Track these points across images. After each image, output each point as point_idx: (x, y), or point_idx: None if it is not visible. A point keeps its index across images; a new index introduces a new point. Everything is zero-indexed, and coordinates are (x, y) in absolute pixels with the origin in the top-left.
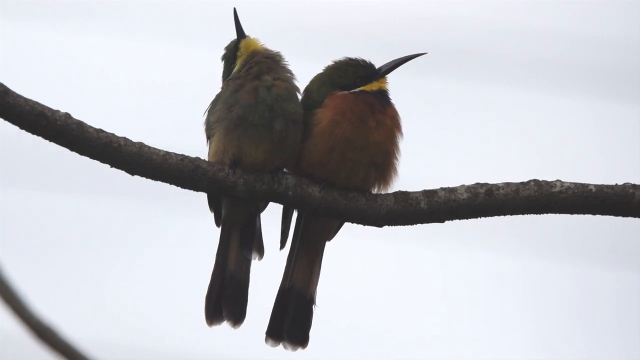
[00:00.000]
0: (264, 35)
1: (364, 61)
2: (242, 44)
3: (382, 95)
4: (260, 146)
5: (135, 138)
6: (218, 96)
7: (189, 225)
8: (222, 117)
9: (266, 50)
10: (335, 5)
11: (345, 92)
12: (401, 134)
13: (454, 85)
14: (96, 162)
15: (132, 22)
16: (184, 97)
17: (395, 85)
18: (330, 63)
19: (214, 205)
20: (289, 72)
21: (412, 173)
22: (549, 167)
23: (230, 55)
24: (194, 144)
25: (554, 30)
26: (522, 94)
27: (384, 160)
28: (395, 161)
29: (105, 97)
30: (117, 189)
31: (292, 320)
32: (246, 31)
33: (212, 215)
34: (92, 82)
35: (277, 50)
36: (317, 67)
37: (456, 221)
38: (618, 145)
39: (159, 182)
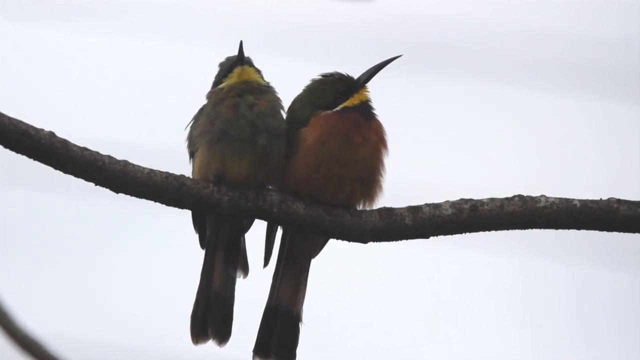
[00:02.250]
0: (264, 35)
1: (340, 75)
2: (237, 70)
3: (365, 108)
4: (244, 160)
5: (131, 138)
6: (201, 110)
7: (180, 231)
8: (205, 131)
9: (257, 82)
10: (334, 5)
11: (328, 112)
12: (386, 149)
13: (447, 86)
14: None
15: (132, 22)
16: (184, 98)
17: (389, 88)
18: (308, 82)
19: (198, 226)
20: (277, 98)
21: (396, 188)
22: (542, 171)
23: (224, 72)
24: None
25: (551, 30)
26: (517, 95)
27: (369, 176)
28: (380, 178)
29: (103, 97)
30: (102, 192)
31: (279, 338)
32: (250, 36)
33: (197, 236)
34: (90, 82)
35: (269, 82)
36: (317, 67)
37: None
38: (617, 146)
39: None
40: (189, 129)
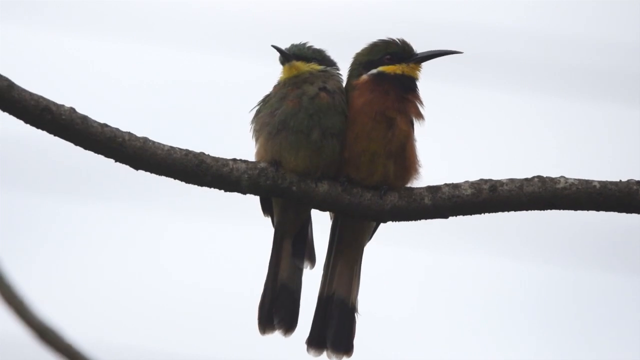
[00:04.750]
0: (264, 35)
1: (401, 40)
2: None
3: (403, 82)
4: (300, 153)
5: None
6: (266, 98)
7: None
8: (265, 122)
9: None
10: (337, 7)
11: (365, 77)
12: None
13: (460, 85)
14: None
15: (137, 24)
16: (190, 98)
17: None
18: None
19: (268, 211)
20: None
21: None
22: (552, 166)
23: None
24: (197, 144)
25: (559, 32)
26: (527, 94)
27: (401, 156)
28: (415, 159)
29: (114, 98)
30: (121, 188)
31: (335, 329)
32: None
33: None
34: (101, 84)
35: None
36: None
37: (460, 217)
38: (621, 145)
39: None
40: (254, 112)
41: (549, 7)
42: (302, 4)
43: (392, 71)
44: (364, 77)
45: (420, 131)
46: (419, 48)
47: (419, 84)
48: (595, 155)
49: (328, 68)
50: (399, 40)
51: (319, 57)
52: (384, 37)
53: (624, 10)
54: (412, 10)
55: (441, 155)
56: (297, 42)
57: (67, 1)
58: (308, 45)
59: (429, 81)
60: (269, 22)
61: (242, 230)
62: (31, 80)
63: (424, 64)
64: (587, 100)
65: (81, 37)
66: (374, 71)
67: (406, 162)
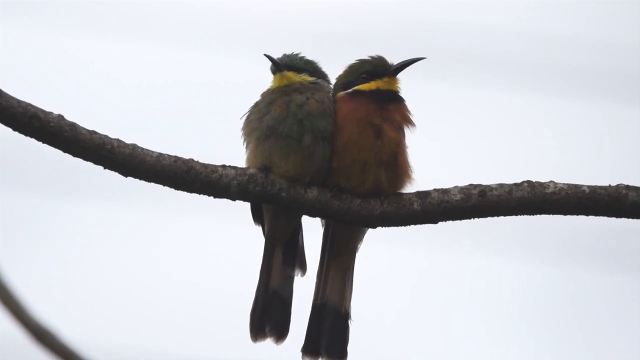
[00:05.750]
0: (264, 36)
1: (374, 57)
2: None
3: (381, 95)
4: (290, 158)
5: (134, 140)
6: (255, 104)
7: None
8: (254, 128)
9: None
10: (337, 8)
11: (342, 93)
12: (404, 138)
13: (448, 86)
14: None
15: (136, 24)
16: (188, 99)
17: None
18: None
19: (259, 219)
20: (327, 93)
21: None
22: (544, 168)
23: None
24: (193, 145)
25: (558, 32)
26: (526, 94)
27: (393, 163)
28: (407, 166)
29: (112, 98)
30: (118, 190)
31: (329, 336)
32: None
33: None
34: (100, 84)
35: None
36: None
37: (449, 222)
38: (620, 146)
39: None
40: (244, 118)
41: (549, 7)
42: (302, 4)
43: (366, 88)
44: (341, 94)
45: (411, 137)
46: (418, 48)
47: (405, 94)
48: (594, 156)
49: (319, 80)
50: (372, 57)
51: (311, 68)
52: (362, 56)
53: (624, 10)
54: (411, 10)
55: (431, 159)
56: (289, 52)
57: (67, 1)
58: (300, 56)
59: (425, 82)
60: (268, 22)
61: (237, 234)
62: (30, 80)
63: (401, 75)
64: (586, 100)
65: (80, 37)
66: (349, 90)
67: (398, 170)
